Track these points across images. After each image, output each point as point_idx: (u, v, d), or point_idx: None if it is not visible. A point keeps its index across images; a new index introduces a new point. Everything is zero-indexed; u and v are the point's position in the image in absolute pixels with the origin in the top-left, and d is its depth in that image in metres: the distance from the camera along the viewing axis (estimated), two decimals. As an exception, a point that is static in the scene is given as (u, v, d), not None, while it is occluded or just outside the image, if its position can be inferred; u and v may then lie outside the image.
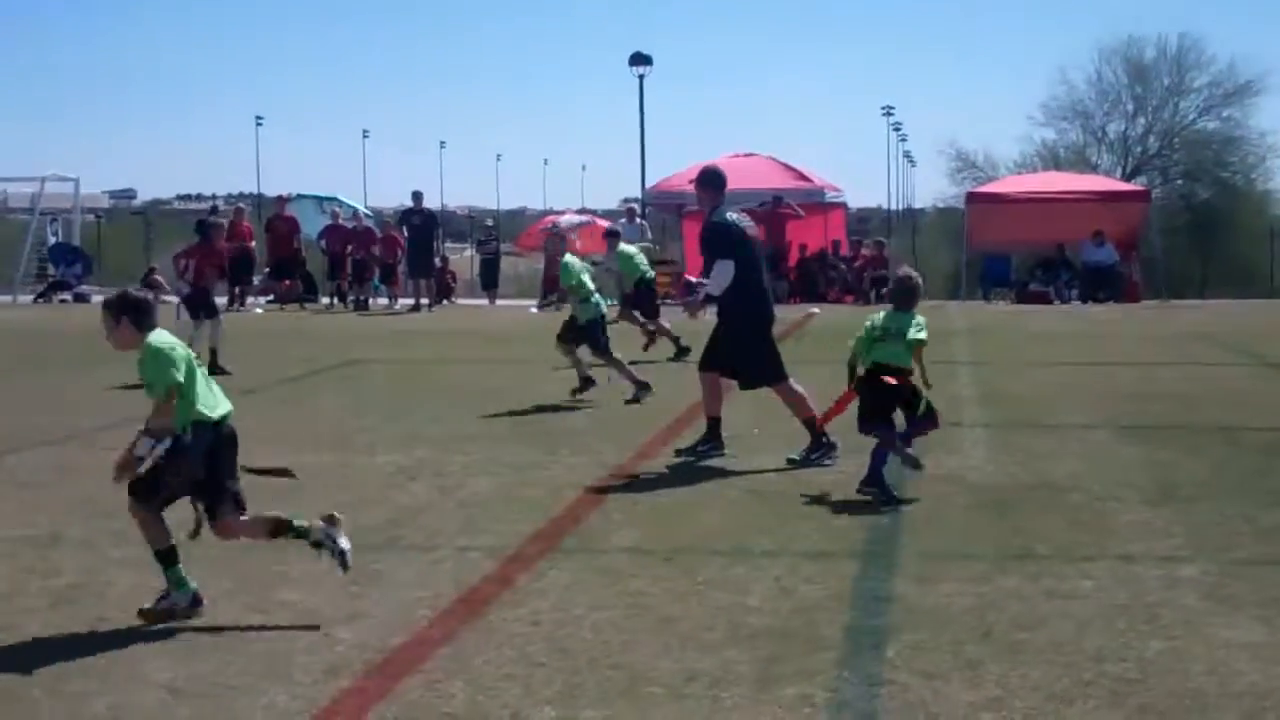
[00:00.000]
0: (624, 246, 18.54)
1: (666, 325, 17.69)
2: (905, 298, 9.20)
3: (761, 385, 10.43)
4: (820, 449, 10.01)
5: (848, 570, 7.07)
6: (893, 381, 8.81)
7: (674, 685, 5.34)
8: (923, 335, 9.01)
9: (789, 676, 5.41)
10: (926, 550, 7.45)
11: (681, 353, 17.02)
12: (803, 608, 6.38)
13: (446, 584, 6.86)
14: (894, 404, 8.92)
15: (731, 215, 10.58)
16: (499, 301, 32.92)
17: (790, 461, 9.90)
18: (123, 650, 5.85)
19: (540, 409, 13.02)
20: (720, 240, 10.33)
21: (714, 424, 10.37)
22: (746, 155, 34.70)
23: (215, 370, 15.56)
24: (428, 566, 7.19)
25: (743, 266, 10.23)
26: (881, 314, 9.17)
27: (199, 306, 16.28)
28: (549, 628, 6.10)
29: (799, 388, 10.29)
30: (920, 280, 9.34)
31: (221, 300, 29.69)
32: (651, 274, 18.49)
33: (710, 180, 10.74)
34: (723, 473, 9.68)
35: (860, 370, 9.05)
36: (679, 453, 10.30)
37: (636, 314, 17.70)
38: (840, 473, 9.53)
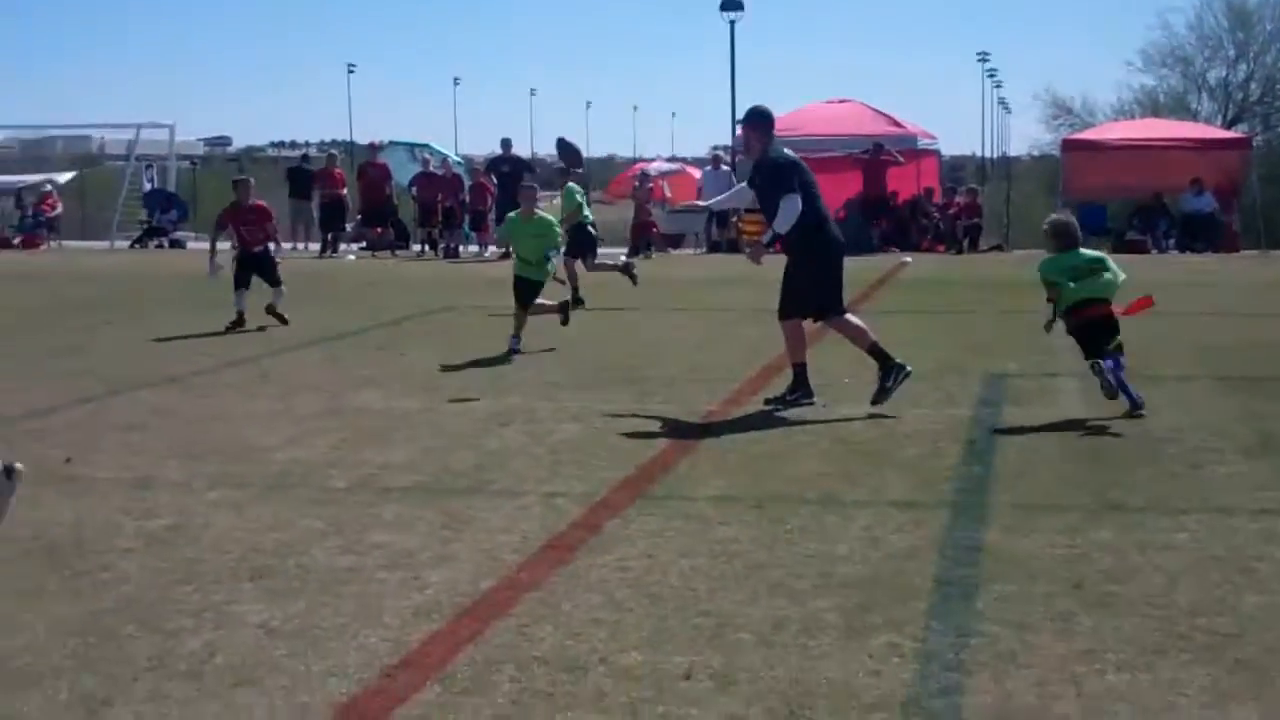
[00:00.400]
0: (571, 185, 18.08)
1: (583, 269, 17.36)
2: (1067, 238, 10.07)
3: (821, 316, 10.34)
4: (891, 373, 9.98)
5: (938, 520, 7.01)
6: (1118, 311, 9.87)
7: (762, 632, 5.33)
8: (1121, 275, 10.02)
9: (878, 626, 5.38)
10: (1018, 500, 7.38)
11: (576, 304, 16.36)
12: (892, 557, 6.35)
13: (535, 529, 6.88)
14: (1107, 336, 9.71)
15: (787, 150, 10.48)
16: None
17: (874, 403, 9.85)
18: (217, 591, 5.92)
19: (631, 356, 13.02)
20: (783, 175, 10.14)
21: (800, 371, 10.30)
22: (840, 101, 34.37)
23: (272, 313, 15.48)
24: (517, 511, 7.22)
25: (808, 200, 10.11)
26: (1050, 259, 10.06)
27: (252, 271, 15.79)
28: (637, 574, 6.11)
29: (857, 319, 10.26)
30: (1073, 219, 10.52)
31: (314, 246, 30.06)
32: (590, 217, 18.05)
33: (760, 118, 10.51)
34: (812, 421, 9.64)
35: (1060, 309, 9.90)
36: (768, 401, 10.25)
37: (575, 263, 17.10)
38: (935, 422, 9.48)
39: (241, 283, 15.65)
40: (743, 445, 8.90)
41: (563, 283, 16.41)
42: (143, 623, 5.50)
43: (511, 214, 14.60)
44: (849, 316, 10.28)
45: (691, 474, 8.13)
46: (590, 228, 17.79)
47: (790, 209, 10.00)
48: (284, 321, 15.50)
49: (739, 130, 12.54)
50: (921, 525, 6.88)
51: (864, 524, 6.89)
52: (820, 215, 10.25)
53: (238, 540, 6.69)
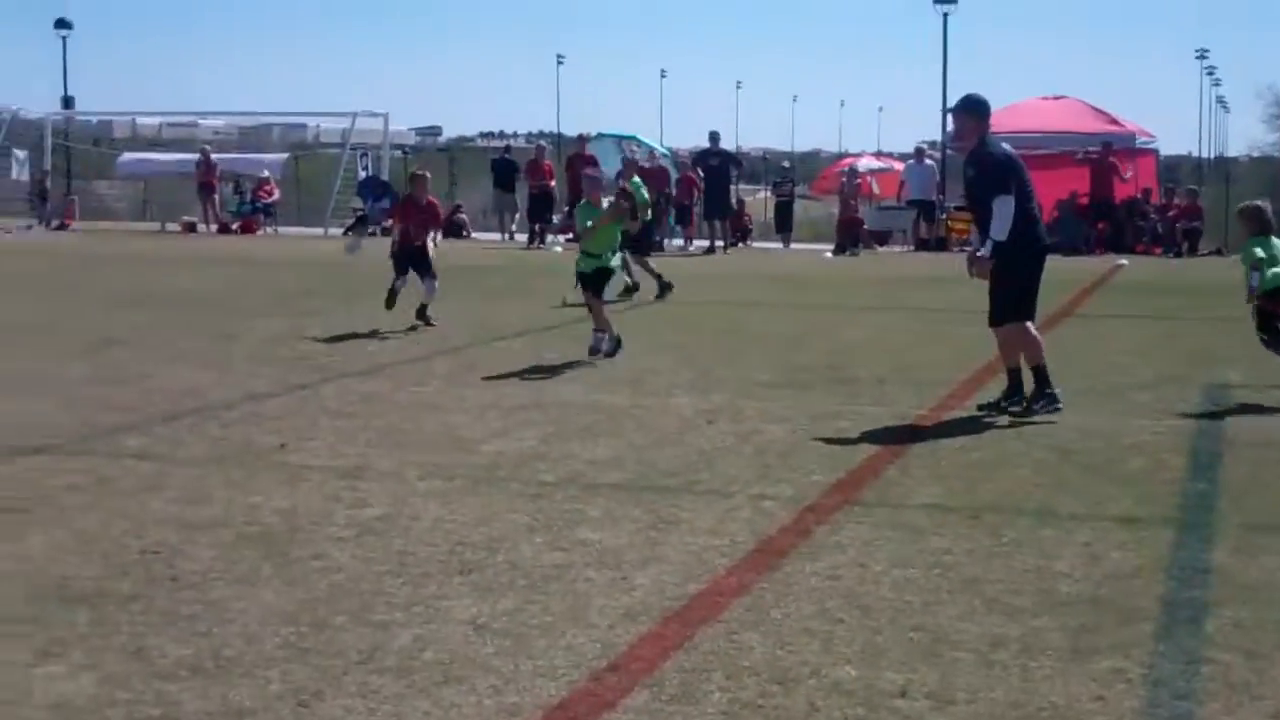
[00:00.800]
0: (635, 180, 17.56)
1: (653, 265, 18.08)
2: (1257, 222, 10.75)
3: (1006, 321, 9.97)
4: (1042, 399, 9.78)
5: (1162, 538, 6.73)
6: None
7: (980, 650, 5.14)
8: None
9: (1102, 649, 5.15)
10: (1248, 520, 7.04)
11: (665, 289, 17.60)
12: (1115, 575, 6.09)
13: (743, 532, 6.77)
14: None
15: (1005, 145, 10.16)
16: (793, 245, 32.72)
17: (1005, 410, 9.72)
18: (427, 584, 5.92)
19: (837, 356, 12.83)
20: (999, 173, 9.77)
21: (1015, 376, 10.01)
22: (1056, 98, 33.59)
23: (423, 319, 14.89)
24: (725, 513, 7.12)
25: (1021, 201, 9.74)
26: (1251, 243, 10.63)
27: (410, 262, 15.31)
28: (849, 583, 5.96)
29: (1037, 333, 9.98)
30: (1267, 205, 11.07)
31: (521, 238, 30.34)
32: (648, 216, 17.85)
33: (977, 106, 10.13)
34: (1027, 429, 9.36)
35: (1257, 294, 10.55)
36: (981, 407, 9.98)
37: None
38: (1156, 433, 9.14)
39: (401, 271, 15.36)
40: (956, 452, 8.68)
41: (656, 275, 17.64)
42: (353, 614, 5.52)
43: (582, 202, 13.83)
44: (1028, 325, 9.96)
45: (903, 480, 7.94)
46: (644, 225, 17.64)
47: (1004, 213, 9.66)
48: (429, 324, 14.80)
49: (949, 119, 12.23)
50: (1145, 543, 6.60)
51: (1084, 539, 6.64)
52: (1031, 218, 9.93)
53: (447, 533, 6.70)
